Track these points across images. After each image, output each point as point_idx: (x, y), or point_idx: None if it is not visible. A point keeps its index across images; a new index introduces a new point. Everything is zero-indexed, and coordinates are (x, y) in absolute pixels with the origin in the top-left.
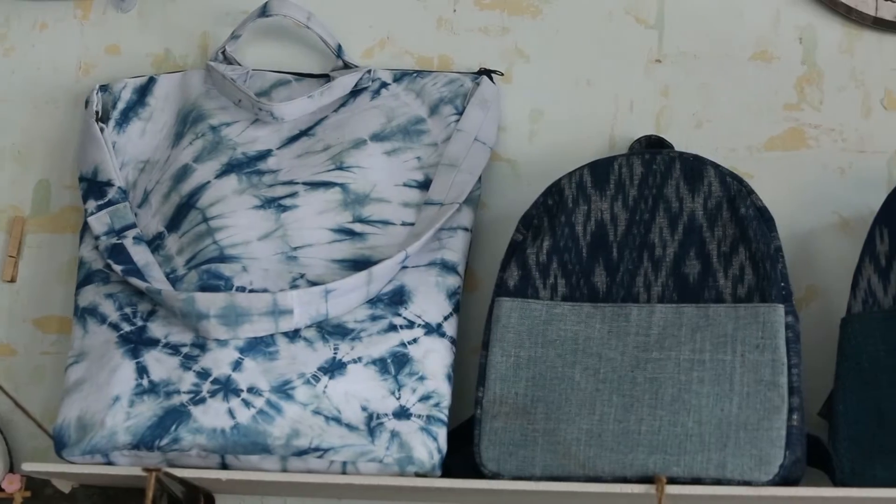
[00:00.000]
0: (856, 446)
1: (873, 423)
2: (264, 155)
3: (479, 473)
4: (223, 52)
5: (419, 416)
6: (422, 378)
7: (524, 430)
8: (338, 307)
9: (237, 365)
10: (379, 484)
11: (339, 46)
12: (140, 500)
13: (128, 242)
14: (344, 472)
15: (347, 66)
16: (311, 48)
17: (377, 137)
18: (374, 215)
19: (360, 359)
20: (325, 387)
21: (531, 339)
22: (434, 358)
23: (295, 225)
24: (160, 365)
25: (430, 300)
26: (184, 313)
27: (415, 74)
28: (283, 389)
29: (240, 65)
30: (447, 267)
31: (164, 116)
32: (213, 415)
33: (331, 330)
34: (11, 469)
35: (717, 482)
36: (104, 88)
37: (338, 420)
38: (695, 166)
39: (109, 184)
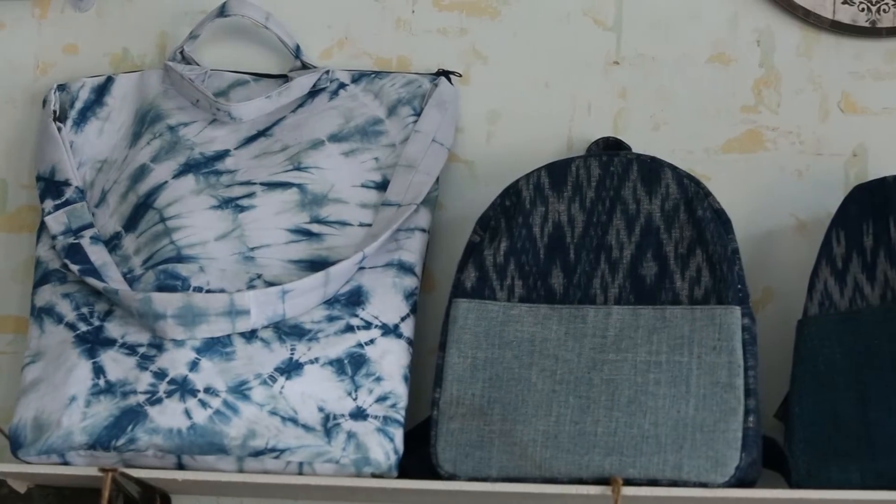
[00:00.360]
0: (811, 448)
1: (829, 426)
2: (222, 155)
3: (435, 474)
4: (181, 52)
5: (376, 417)
6: (378, 379)
7: (481, 432)
8: (295, 308)
9: (194, 365)
10: (335, 485)
11: (298, 47)
12: (96, 500)
13: (85, 242)
14: (300, 473)
15: (306, 67)
16: (270, 48)
17: (335, 138)
18: (332, 216)
19: (316, 359)
20: (282, 387)
21: (488, 341)
22: (391, 359)
23: (252, 225)
24: (117, 365)
25: (387, 301)
26: (141, 313)
27: (373, 75)
28: (240, 390)
29: (198, 65)
30: (404, 268)
31: (121, 116)
32: (169, 415)
33: (288, 330)
34: None
35: (674, 484)
36: (62, 88)
37: (294, 421)
38: (652, 168)
39: (67, 183)
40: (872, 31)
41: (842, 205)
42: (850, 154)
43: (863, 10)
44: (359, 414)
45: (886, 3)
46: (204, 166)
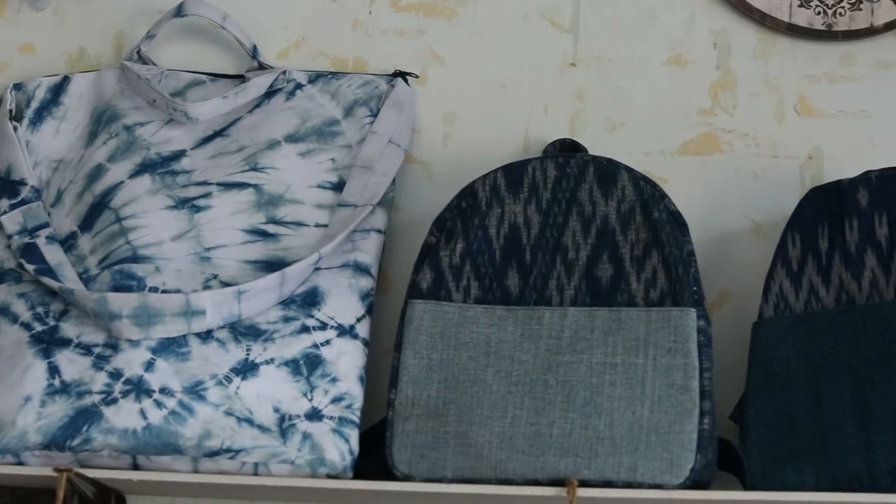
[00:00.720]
0: (766, 450)
1: (784, 428)
2: (178, 155)
3: (390, 475)
4: (138, 52)
5: (331, 418)
6: (334, 380)
7: (436, 433)
8: (250, 308)
9: (149, 365)
10: (290, 485)
11: (255, 47)
12: (51, 500)
13: (41, 242)
14: (256, 474)
15: (262, 67)
16: (227, 49)
17: (291, 139)
18: (288, 216)
19: (272, 360)
20: (238, 388)
21: (444, 342)
22: (346, 360)
23: (208, 226)
24: (72, 365)
25: (343, 302)
26: (96, 313)
27: (330, 76)
28: (196, 390)
29: (154, 65)
30: (360, 269)
31: (78, 116)
32: (124, 415)
33: (243, 331)
34: None
35: (628, 485)
36: (18, 87)
37: (250, 421)
38: (608, 170)
39: (22, 183)
40: (828, 35)
41: (797, 207)
42: (806, 157)
43: (819, 13)
44: (314, 415)
45: (842, 7)
46: (160, 166)
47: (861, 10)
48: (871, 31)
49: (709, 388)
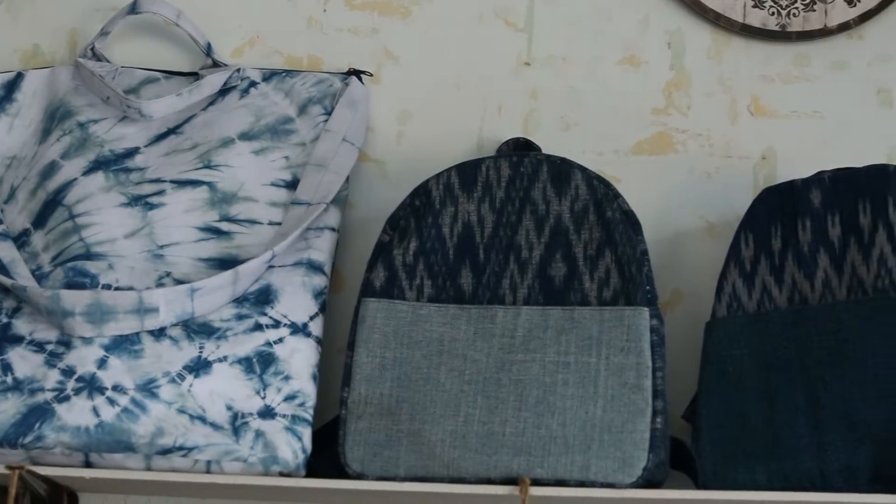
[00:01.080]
0: (718, 449)
1: (736, 427)
2: (132, 152)
3: (343, 474)
4: (92, 49)
5: (284, 416)
6: (287, 378)
7: (389, 431)
8: (204, 306)
9: (102, 363)
10: (243, 483)
11: (209, 45)
12: (2, 498)
13: None
14: (208, 472)
15: (217, 65)
16: (181, 46)
17: (245, 136)
18: (241, 214)
19: (225, 358)
20: (191, 385)
21: (396, 340)
22: (299, 358)
23: (162, 223)
24: (24, 362)
25: (297, 300)
26: (49, 310)
27: (284, 74)
28: (148, 388)
29: (109, 61)
30: (314, 267)
31: (31, 112)
32: (77, 413)
33: (196, 329)
34: None
35: (581, 484)
36: None
37: (202, 419)
38: (562, 169)
39: None
40: (782, 35)
41: (750, 207)
42: (760, 157)
43: (773, 13)
44: (267, 413)
45: (796, 8)
46: (114, 163)
47: (815, 10)
48: (824, 32)
49: (661, 388)
